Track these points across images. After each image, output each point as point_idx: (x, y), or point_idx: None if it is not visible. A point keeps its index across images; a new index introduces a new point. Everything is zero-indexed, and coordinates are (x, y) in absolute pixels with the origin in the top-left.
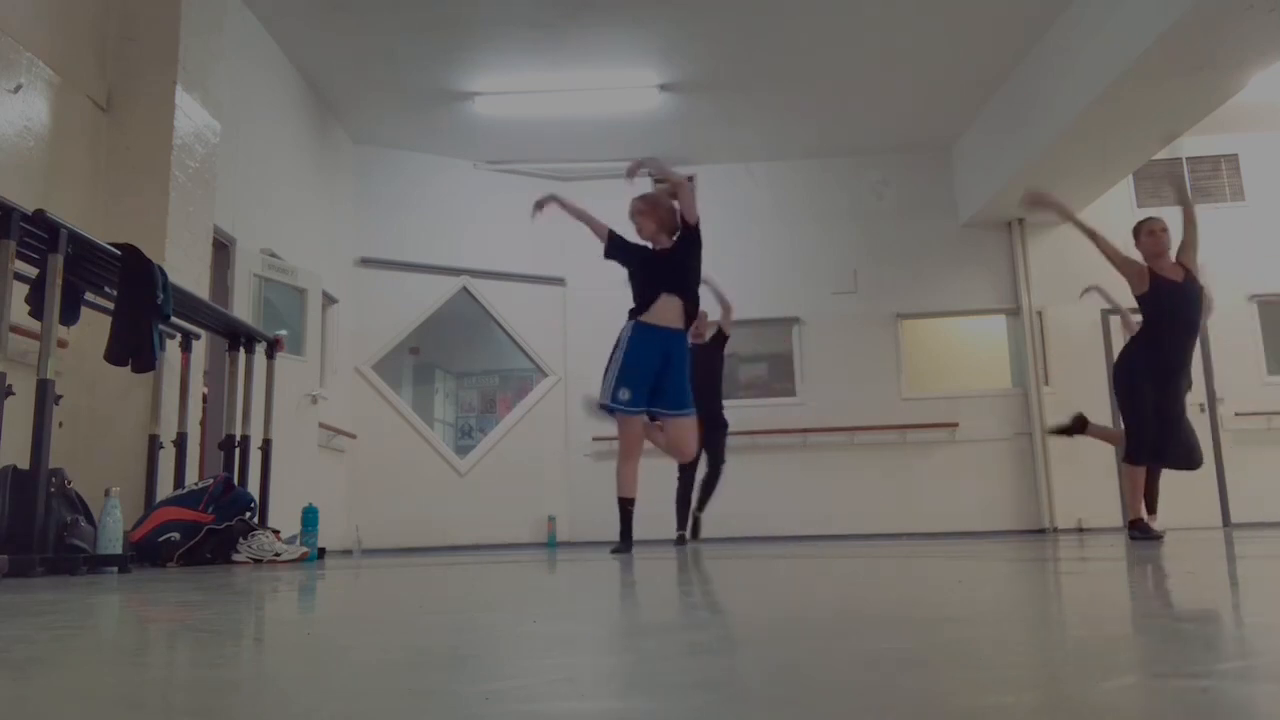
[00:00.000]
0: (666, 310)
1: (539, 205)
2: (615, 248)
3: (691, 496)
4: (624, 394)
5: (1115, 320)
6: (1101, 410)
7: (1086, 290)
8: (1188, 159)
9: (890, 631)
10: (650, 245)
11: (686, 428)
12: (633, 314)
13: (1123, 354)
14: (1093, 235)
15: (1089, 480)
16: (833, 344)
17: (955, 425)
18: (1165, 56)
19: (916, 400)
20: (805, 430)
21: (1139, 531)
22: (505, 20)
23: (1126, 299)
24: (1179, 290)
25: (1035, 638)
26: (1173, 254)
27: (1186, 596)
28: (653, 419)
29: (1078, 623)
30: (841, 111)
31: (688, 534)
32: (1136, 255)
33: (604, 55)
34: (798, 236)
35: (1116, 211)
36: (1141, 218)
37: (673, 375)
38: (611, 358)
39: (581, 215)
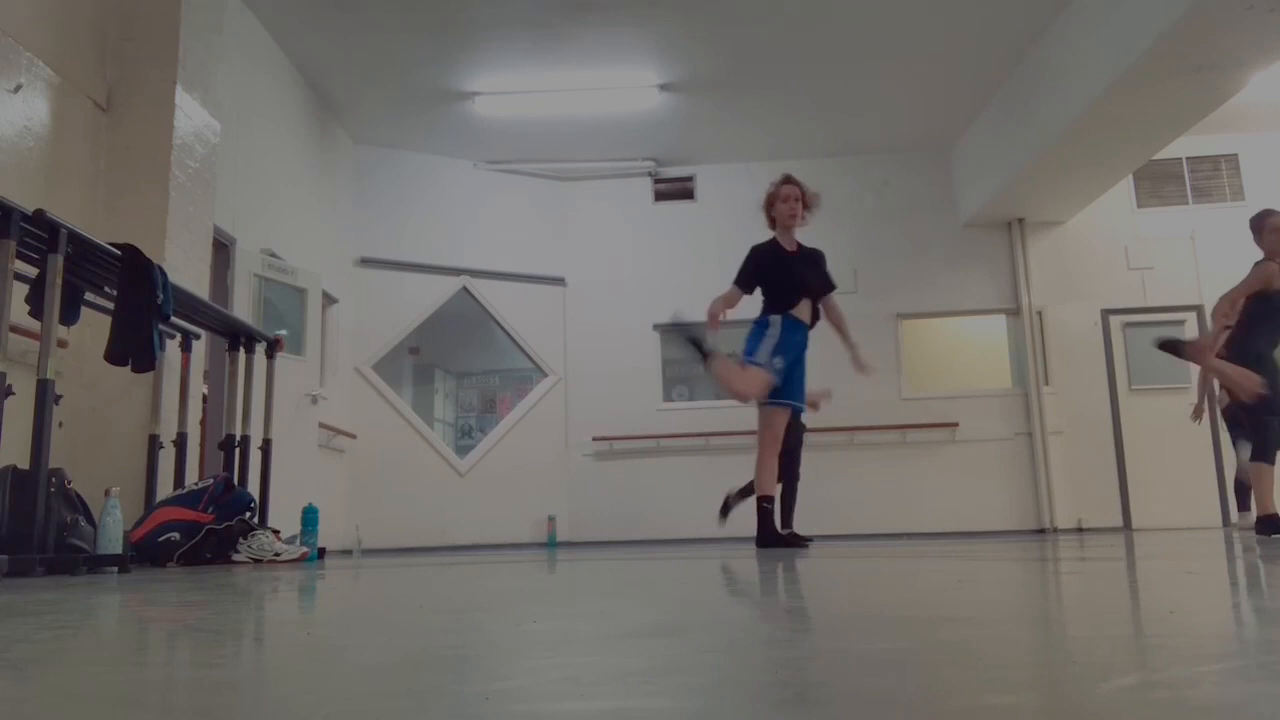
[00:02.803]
0: (804, 311)
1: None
2: (754, 270)
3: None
4: (779, 361)
5: (1115, 321)
6: (1102, 411)
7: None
8: (1188, 159)
9: (890, 631)
10: (780, 244)
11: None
12: (772, 309)
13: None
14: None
15: (1089, 480)
16: (833, 344)
17: (955, 425)
18: (1165, 56)
19: (916, 400)
20: (805, 430)
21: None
22: (505, 20)
23: None
24: None
25: (1035, 638)
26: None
27: (1186, 596)
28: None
29: (1078, 623)
30: (841, 111)
31: (727, 510)
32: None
33: (604, 55)
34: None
35: (1117, 211)
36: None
37: (800, 372)
38: (754, 333)
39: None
